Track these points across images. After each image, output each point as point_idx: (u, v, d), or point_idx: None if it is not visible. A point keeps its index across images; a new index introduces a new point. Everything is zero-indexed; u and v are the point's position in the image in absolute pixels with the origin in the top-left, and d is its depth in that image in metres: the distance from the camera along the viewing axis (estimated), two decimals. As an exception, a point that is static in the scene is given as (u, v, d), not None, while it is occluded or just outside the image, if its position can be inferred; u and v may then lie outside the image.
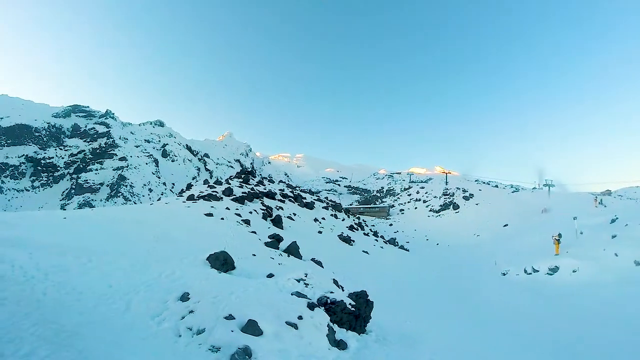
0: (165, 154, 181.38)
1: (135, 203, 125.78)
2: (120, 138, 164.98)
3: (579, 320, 20.73)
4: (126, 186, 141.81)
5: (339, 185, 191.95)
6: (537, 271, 30.78)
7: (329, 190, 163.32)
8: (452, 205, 73.40)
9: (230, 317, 8.67)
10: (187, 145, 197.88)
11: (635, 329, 18.56)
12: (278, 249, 21.76)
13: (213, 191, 34.61)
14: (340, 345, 9.96)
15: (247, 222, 27.56)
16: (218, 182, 40.71)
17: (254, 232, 24.51)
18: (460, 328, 17.51)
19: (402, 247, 44.35)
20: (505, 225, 56.53)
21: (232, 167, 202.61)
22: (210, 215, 26.53)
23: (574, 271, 29.00)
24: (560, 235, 34.16)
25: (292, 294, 11.09)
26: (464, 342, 14.97)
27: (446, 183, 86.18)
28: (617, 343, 16.93)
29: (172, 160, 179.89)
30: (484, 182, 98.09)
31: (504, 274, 32.37)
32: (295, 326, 9.34)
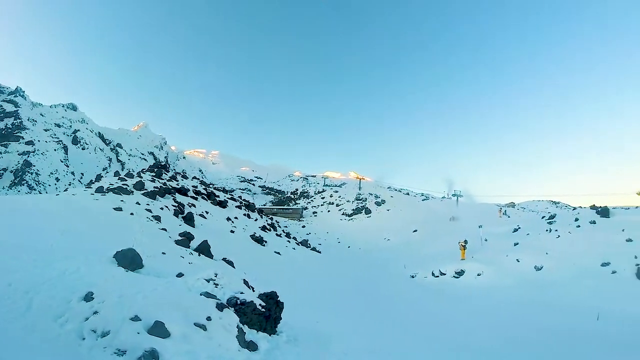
0: (75, 141, 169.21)
1: (40, 193, 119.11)
2: (28, 119, 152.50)
3: (482, 318, 21.88)
4: (32, 173, 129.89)
5: (253, 184, 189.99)
6: (444, 274, 32.11)
7: (244, 190, 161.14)
8: (364, 210, 74.74)
9: (136, 319, 8.27)
10: (99, 133, 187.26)
11: (534, 326, 19.91)
12: (189, 247, 21.25)
13: (124, 184, 33.30)
14: (251, 346, 9.75)
15: (157, 218, 26.77)
16: (129, 175, 39.22)
17: (165, 230, 23.85)
18: (370, 327, 17.75)
19: (314, 249, 44.50)
20: (414, 231, 58.13)
21: (145, 159, 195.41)
22: (119, 209, 25.54)
23: (478, 275, 30.73)
24: (466, 241, 35.94)
25: (201, 294, 10.76)
26: (374, 340, 15.16)
27: (359, 188, 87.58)
28: (515, 339, 17.95)
29: (83, 149, 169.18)
30: (396, 190, 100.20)
31: (413, 277, 33.42)
32: (204, 327, 9.04)
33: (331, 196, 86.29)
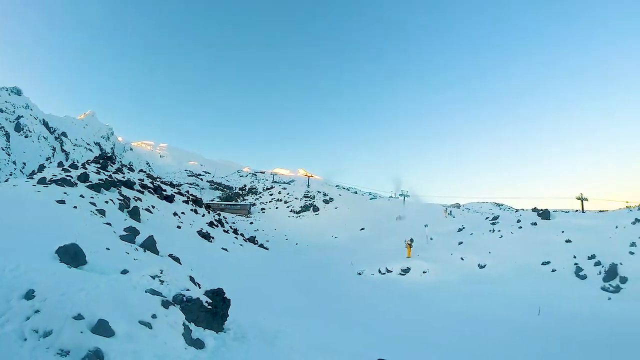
0: (18, 128, 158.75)
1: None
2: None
3: (427, 313, 22.56)
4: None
5: (201, 179, 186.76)
6: (391, 272, 32.54)
7: (191, 184, 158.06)
8: (312, 208, 74.83)
9: (79, 317, 7.96)
10: (44, 120, 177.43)
11: (479, 320, 20.96)
12: (134, 243, 20.76)
13: (67, 175, 32.22)
14: (197, 344, 9.53)
15: (102, 212, 26.07)
16: (74, 166, 37.96)
17: (109, 224, 23.23)
18: (317, 323, 17.83)
19: (261, 246, 44.36)
20: (362, 229, 58.68)
21: (90, 150, 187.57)
22: (62, 202, 24.66)
23: (424, 272, 31.40)
24: (412, 240, 36.58)
25: (146, 292, 10.47)
26: (322, 336, 15.24)
27: (308, 186, 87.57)
28: (460, 332, 18.76)
29: (26, 137, 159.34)
30: (345, 188, 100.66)
31: (360, 274, 33.67)
32: (149, 325, 8.78)
33: (279, 193, 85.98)
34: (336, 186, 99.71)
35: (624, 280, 25.77)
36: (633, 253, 28.53)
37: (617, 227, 33.16)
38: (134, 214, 29.50)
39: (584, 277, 27.41)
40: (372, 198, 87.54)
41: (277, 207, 79.13)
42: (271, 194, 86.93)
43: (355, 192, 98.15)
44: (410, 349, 15.92)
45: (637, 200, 47.16)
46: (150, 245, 20.58)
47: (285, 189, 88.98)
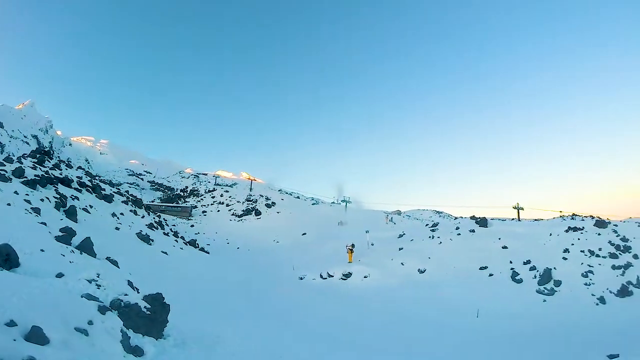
0: None
1: None
2: None
3: (367, 317, 22.87)
4: None
5: (142, 179, 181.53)
6: (332, 276, 32.64)
7: (131, 184, 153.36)
8: (254, 212, 74.31)
9: (12, 324, 7.52)
10: None
11: (419, 323, 21.57)
12: (70, 244, 20.00)
13: (2, 169, 30.70)
14: (136, 351, 9.15)
15: (37, 210, 25.00)
16: (9, 160, 36.17)
17: (45, 224, 22.30)
18: (259, 328, 17.64)
19: (202, 249, 43.61)
20: (304, 234, 58.58)
21: (27, 143, 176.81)
22: (-6, 199, 23.77)
23: (365, 277, 31.70)
24: (353, 245, 36.82)
25: (82, 296, 10.01)
26: (264, 342, 15.05)
27: (250, 189, 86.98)
28: (401, 336, 19.21)
29: None
30: (287, 193, 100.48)
31: (301, 278, 33.60)
32: (85, 332, 8.39)
33: (222, 196, 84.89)
34: (279, 190, 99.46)
35: (558, 283, 27.30)
36: (566, 259, 30.08)
37: (551, 234, 34.76)
38: (71, 213, 28.44)
39: (520, 281, 28.61)
40: (314, 203, 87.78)
41: (218, 210, 78.17)
42: (213, 197, 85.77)
43: (298, 197, 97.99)
44: (354, 353, 16.00)
45: (570, 210, 49.26)
46: (87, 247, 19.86)
47: (227, 192, 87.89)
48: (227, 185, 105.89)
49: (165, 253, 30.80)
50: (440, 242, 37.70)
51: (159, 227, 42.83)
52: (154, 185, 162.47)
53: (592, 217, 40.09)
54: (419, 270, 32.23)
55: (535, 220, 51.05)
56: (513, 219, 52.33)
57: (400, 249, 37.58)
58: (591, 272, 28.56)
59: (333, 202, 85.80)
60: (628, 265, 28.78)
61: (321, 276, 33.15)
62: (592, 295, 26.02)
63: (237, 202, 79.92)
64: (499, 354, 17.29)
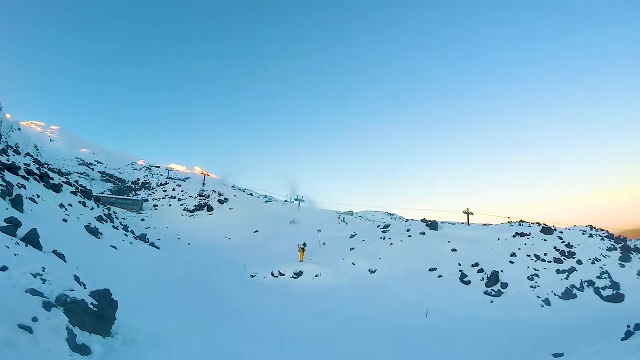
0: None
1: None
2: None
3: (319, 316, 22.93)
4: None
5: (92, 169, 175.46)
6: (283, 275, 32.49)
7: (81, 174, 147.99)
8: (206, 207, 73.29)
9: None
10: None
11: (369, 322, 21.70)
12: (15, 236, 19.34)
13: (-59, 154, 29.63)
14: (83, 350, 8.88)
15: (-19, 199, 24.26)
16: (-49, 146, 35.06)
17: (-12, 214, 21.67)
18: (210, 326, 17.49)
19: (152, 244, 42.76)
20: (255, 232, 58.17)
21: None
22: (-64, 187, 22.84)
23: (316, 276, 31.68)
24: (305, 244, 36.79)
25: (26, 291, 9.67)
26: (215, 340, 14.94)
27: (203, 184, 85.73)
28: (353, 335, 19.26)
29: None
30: (240, 189, 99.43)
31: (253, 276, 33.31)
32: (29, 329, 8.08)
33: (174, 190, 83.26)
34: (232, 186, 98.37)
35: (505, 285, 28.12)
36: (513, 262, 30.96)
37: (499, 239, 35.78)
38: (17, 203, 27.43)
39: (468, 283, 29.28)
40: (267, 201, 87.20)
41: (170, 205, 76.80)
42: (165, 190, 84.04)
43: (251, 194, 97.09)
44: (306, 352, 16.03)
45: (518, 216, 50.44)
46: (33, 239, 19.24)
47: (180, 185, 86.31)
48: (179, 179, 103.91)
49: (114, 247, 30.14)
50: (391, 243, 38.24)
51: (108, 220, 41.89)
52: (104, 176, 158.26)
53: (539, 224, 41.29)
54: (369, 270, 32.60)
55: (484, 225, 52.17)
56: (463, 223, 53.29)
57: (351, 249, 37.89)
58: (537, 275, 29.56)
59: (286, 201, 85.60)
60: (572, 270, 29.98)
61: (272, 274, 32.99)
62: (538, 297, 27.09)
63: (190, 196, 78.67)
64: (447, 351, 17.68)
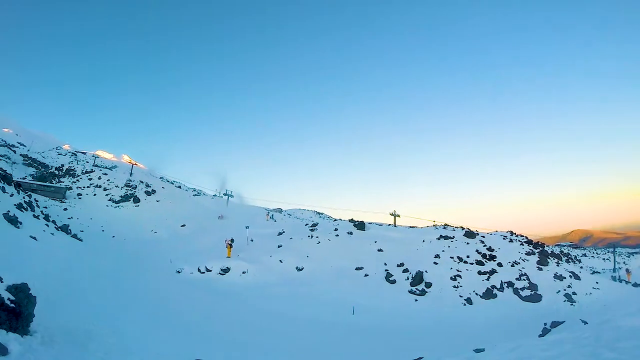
0: None
1: None
2: None
3: (247, 313, 23.00)
4: None
5: (14, 151, 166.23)
6: (210, 271, 32.16)
7: (2, 156, 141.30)
8: (133, 198, 71.23)
9: None
10: None
11: (296, 319, 22.08)
12: None
13: None
14: (0, 350, 8.70)
15: None
16: None
17: None
18: (135, 323, 17.02)
19: (75, 236, 41.38)
20: (183, 226, 57.20)
21: None
22: None
23: (243, 272, 31.63)
24: (232, 240, 36.63)
25: None
26: (137, 339, 14.59)
27: (131, 174, 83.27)
28: (279, 332, 19.50)
29: None
30: (169, 181, 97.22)
31: (179, 272, 32.73)
32: None
33: (99, 178, 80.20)
34: (160, 178, 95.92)
35: (429, 285, 29.14)
36: (437, 263, 32.09)
37: (424, 241, 37.07)
38: None
39: (393, 282, 30.06)
40: (195, 195, 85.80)
41: (95, 194, 74.07)
42: (90, 179, 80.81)
43: (179, 187, 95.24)
44: (232, 348, 16.00)
45: (443, 220, 52.30)
46: (-56, 228, 18.36)
47: (106, 174, 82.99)
48: (106, 168, 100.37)
49: (34, 238, 28.99)
50: (319, 242, 38.72)
51: (29, 208, 40.20)
52: (27, 160, 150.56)
53: (463, 228, 42.93)
54: (297, 268, 32.91)
55: (410, 227, 53.49)
56: (389, 225, 54.48)
57: (279, 247, 38.01)
58: (460, 276, 30.73)
59: (215, 195, 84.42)
60: (493, 272, 31.41)
61: (199, 270, 32.57)
62: (460, 296, 28.35)
63: (116, 186, 76.14)
64: (372, 346, 18.30)
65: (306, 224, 50.29)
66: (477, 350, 12.07)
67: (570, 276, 33.20)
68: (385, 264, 32.60)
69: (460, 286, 29.64)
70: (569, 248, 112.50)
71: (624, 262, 73.76)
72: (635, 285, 41.45)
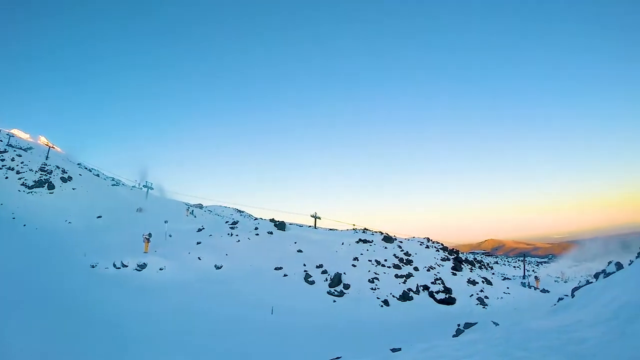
0: None
1: None
2: None
3: (167, 311, 22.45)
4: None
5: None
6: (126, 266, 31.18)
7: None
8: (47, 184, 67.66)
9: None
10: None
11: (216, 318, 21.77)
12: None
13: None
14: None
15: None
16: None
17: None
18: (44, 321, 16.39)
19: (-18, 224, 39.34)
20: (99, 217, 55.02)
21: None
22: None
23: (160, 269, 30.94)
24: (150, 235, 35.71)
25: None
26: (48, 337, 14.08)
27: (47, 158, 79.16)
28: (200, 331, 19.30)
29: None
30: (87, 168, 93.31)
31: (93, 267, 31.45)
32: None
33: (13, 160, 75.49)
34: (78, 164, 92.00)
35: (347, 286, 29.91)
36: (355, 266, 32.94)
37: (343, 243, 38.09)
38: None
39: (312, 283, 30.49)
40: (114, 184, 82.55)
41: (7, 177, 69.76)
42: (3, 160, 76.41)
43: (98, 175, 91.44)
44: (154, 349, 15.67)
45: (363, 224, 53.44)
46: None
47: (20, 155, 77.98)
48: (21, 148, 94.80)
49: None
50: (239, 240, 38.64)
51: None
52: None
53: (381, 233, 44.31)
54: (216, 266, 32.56)
55: (330, 229, 54.35)
56: (310, 226, 55.07)
57: (198, 243, 37.46)
58: (377, 279, 31.72)
59: (134, 186, 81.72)
60: (409, 275, 32.64)
61: (114, 266, 31.46)
62: (378, 298, 29.35)
63: (30, 170, 71.93)
64: (291, 346, 18.46)
65: (227, 222, 50.05)
66: (394, 350, 12.36)
67: (483, 281, 34.79)
68: (305, 265, 33.02)
69: (378, 288, 30.46)
70: (482, 256, 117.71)
71: (533, 270, 78.14)
72: (543, 291, 44.06)
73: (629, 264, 13.71)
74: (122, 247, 35.98)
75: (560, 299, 18.60)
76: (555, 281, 62.90)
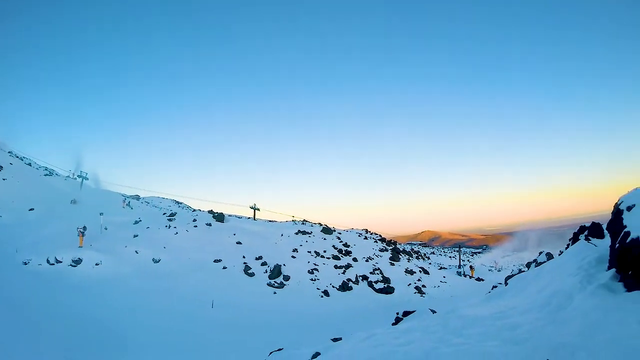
0: None
1: None
2: None
3: (100, 307, 21.93)
4: None
5: None
6: (61, 262, 30.09)
7: None
8: (-25, 174, 65.40)
9: None
10: None
11: (156, 313, 21.72)
12: None
13: None
14: None
15: None
16: None
17: None
18: None
19: None
20: (31, 209, 52.95)
21: None
22: None
23: (97, 264, 30.02)
24: (85, 228, 34.45)
25: None
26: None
27: (-23, 146, 76.18)
28: (141, 328, 19.03)
29: None
30: (18, 157, 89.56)
31: (26, 263, 30.16)
32: None
33: (-60, 148, 72.49)
34: (9, 152, 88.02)
35: (287, 278, 30.29)
36: (295, 257, 33.27)
37: (282, 235, 38.31)
38: None
39: (252, 275, 30.61)
40: (47, 174, 79.58)
41: None
42: None
43: (30, 164, 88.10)
44: (94, 349, 15.29)
45: (302, 216, 53.67)
46: None
47: None
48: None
49: None
50: (177, 233, 38.20)
51: None
52: None
53: (321, 224, 44.55)
54: (153, 259, 32.02)
55: (270, 221, 54.53)
56: (249, 218, 54.92)
57: (135, 236, 36.60)
58: (317, 270, 32.16)
59: (68, 176, 78.94)
60: (348, 266, 33.20)
61: (48, 261, 30.26)
62: (318, 289, 29.85)
63: (-43, 158, 68.99)
64: (232, 340, 18.50)
65: (164, 213, 49.34)
66: (335, 340, 12.58)
67: (420, 271, 35.74)
68: (244, 257, 33.06)
69: (318, 279, 30.82)
70: (419, 246, 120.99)
71: (468, 260, 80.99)
72: (478, 279, 45.43)
73: (559, 255, 14.26)
74: (56, 241, 34.65)
75: (494, 286, 19.33)
76: (489, 270, 65.26)
